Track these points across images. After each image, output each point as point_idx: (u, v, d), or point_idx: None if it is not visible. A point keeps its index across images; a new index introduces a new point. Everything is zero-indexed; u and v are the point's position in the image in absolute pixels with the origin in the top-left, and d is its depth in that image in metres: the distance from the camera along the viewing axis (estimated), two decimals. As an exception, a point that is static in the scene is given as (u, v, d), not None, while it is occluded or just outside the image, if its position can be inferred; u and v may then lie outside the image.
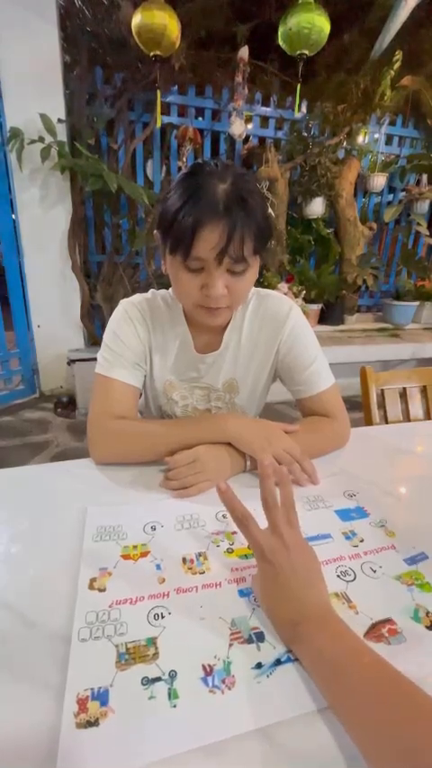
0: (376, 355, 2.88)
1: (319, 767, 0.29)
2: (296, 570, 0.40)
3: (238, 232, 0.55)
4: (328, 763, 0.29)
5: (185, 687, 0.34)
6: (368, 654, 0.33)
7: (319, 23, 1.96)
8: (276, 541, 0.41)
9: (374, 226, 3.29)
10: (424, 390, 1.12)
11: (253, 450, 0.64)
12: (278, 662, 0.36)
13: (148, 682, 0.34)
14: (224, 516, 0.56)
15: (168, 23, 2.00)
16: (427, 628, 0.39)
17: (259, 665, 0.36)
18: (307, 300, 3.02)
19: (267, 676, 0.35)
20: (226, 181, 0.57)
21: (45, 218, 2.42)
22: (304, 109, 2.89)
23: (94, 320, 2.75)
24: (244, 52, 2.54)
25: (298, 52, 2.06)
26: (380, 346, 2.99)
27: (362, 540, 0.52)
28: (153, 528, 0.53)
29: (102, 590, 0.43)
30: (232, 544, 0.50)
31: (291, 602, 0.39)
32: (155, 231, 0.64)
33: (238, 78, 2.55)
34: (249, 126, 2.88)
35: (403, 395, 1.11)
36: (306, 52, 2.05)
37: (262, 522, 0.43)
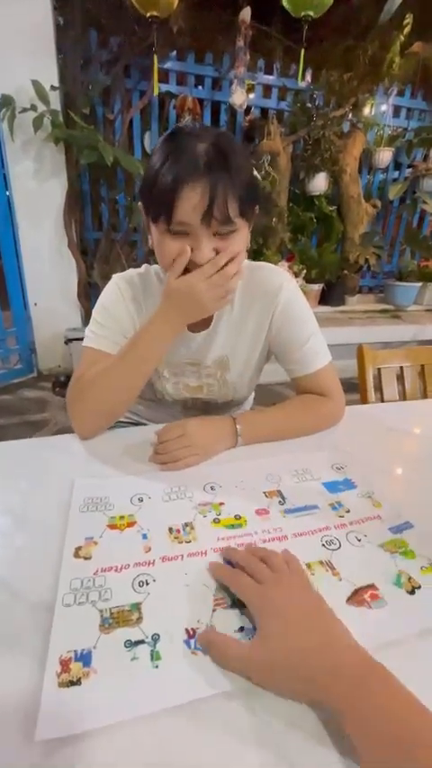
0: (377, 337, 2.85)
1: (296, 728, 0.30)
2: (303, 610, 0.35)
3: (220, 190, 0.53)
4: (305, 722, 0.30)
5: (168, 649, 0.34)
6: (405, 690, 0.28)
7: (325, -18, 1.86)
8: (271, 579, 0.37)
9: (378, 203, 3.21)
10: (422, 370, 1.11)
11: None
12: (260, 626, 0.36)
13: (131, 644, 0.34)
14: (212, 488, 0.56)
15: (165, -19, 1.89)
16: (409, 592, 0.40)
17: (242, 629, 0.36)
18: (308, 280, 2.97)
19: (249, 638, 0.35)
20: (206, 140, 0.54)
21: (39, 193, 2.35)
22: (309, 77, 2.77)
23: (92, 299, 2.71)
24: (246, 14, 2.41)
25: (303, 13, 1.96)
26: (381, 327, 2.96)
27: (348, 511, 0.52)
28: (140, 500, 0.53)
29: (87, 558, 0.43)
30: (219, 514, 0.51)
31: (309, 656, 0.31)
32: (138, 203, 0.62)
33: (240, 42, 2.44)
34: (251, 96, 2.77)
35: (400, 375, 1.10)
36: (311, 13, 1.95)
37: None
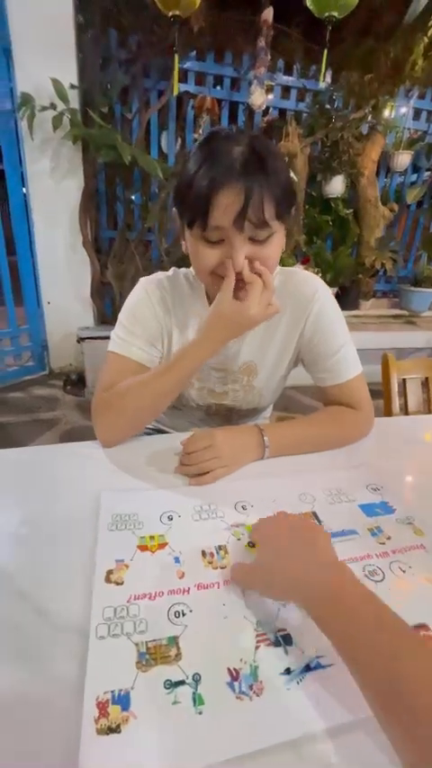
0: (390, 342, 2.80)
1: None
2: (295, 529, 0.42)
3: (256, 193, 0.51)
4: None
5: (211, 692, 0.32)
6: (374, 603, 0.33)
7: (351, -18, 1.82)
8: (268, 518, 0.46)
9: (396, 207, 3.16)
10: (447, 381, 1.08)
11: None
12: (308, 668, 0.34)
13: (171, 685, 0.32)
14: (243, 507, 0.53)
15: (189, -21, 1.87)
16: (466, 637, 0.37)
17: (288, 671, 0.34)
18: (322, 284, 2.93)
19: (297, 683, 0.33)
20: (242, 143, 0.53)
21: (56, 191, 2.34)
22: (329, 78, 2.73)
23: (105, 298, 2.70)
24: (268, 14, 2.38)
25: (326, 14, 1.92)
26: (395, 333, 2.91)
27: (389, 538, 0.49)
28: (170, 518, 0.51)
29: (119, 583, 0.41)
30: (254, 538, 0.48)
31: (296, 560, 0.39)
32: (172, 210, 0.60)
33: (261, 43, 2.40)
34: (270, 96, 2.74)
35: (425, 384, 1.07)
36: (335, 14, 1.91)
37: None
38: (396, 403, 1.04)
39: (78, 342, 2.44)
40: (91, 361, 2.42)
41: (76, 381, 2.58)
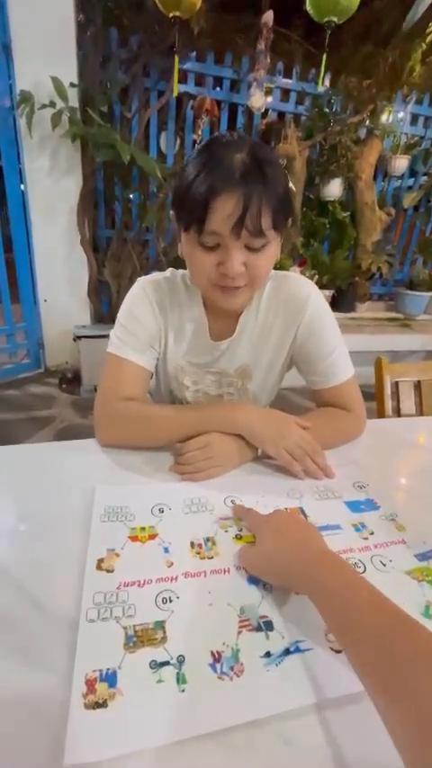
0: (386, 345, 2.83)
1: (323, 760, 0.29)
2: (290, 524, 0.46)
3: (255, 202, 0.52)
4: (332, 755, 0.29)
5: (194, 672, 0.33)
6: (366, 588, 0.35)
7: (351, -12, 1.84)
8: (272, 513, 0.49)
9: (392, 211, 3.19)
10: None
11: (265, 445, 0.62)
12: (287, 651, 0.36)
13: (156, 665, 0.34)
14: (233, 502, 0.55)
15: (190, -18, 1.89)
16: (439, 625, 0.39)
17: (268, 654, 0.35)
18: (319, 286, 2.92)
19: (276, 665, 0.35)
20: (242, 150, 0.54)
21: (54, 189, 2.35)
22: (327, 82, 2.76)
23: (101, 297, 2.71)
24: (269, 17, 2.40)
25: (326, 19, 1.95)
26: (390, 336, 2.94)
27: (372, 533, 0.51)
28: (161, 510, 0.52)
29: (110, 571, 0.42)
30: (240, 530, 0.50)
31: (291, 550, 0.42)
32: (171, 212, 0.62)
33: (261, 45, 2.42)
34: (269, 99, 2.76)
35: (417, 387, 1.09)
36: (335, 19, 1.93)
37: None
38: (389, 405, 1.05)
39: (75, 340, 2.45)
40: (87, 360, 2.43)
41: (71, 379, 2.59)
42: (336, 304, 3.16)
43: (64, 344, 2.67)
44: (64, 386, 2.56)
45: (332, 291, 3.09)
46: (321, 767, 0.29)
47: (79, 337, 2.42)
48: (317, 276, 2.90)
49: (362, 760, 0.29)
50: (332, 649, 0.36)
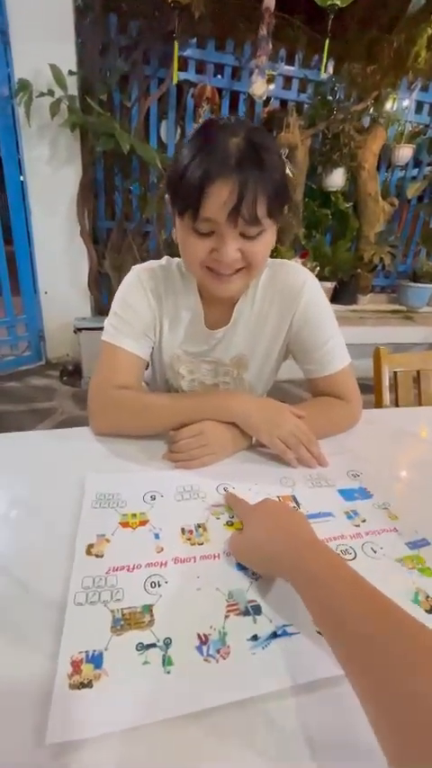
0: (388, 337, 2.81)
1: (306, 740, 0.29)
2: (278, 513, 0.46)
3: (251, 189, 0.51)
4: (315, 736, 0.29)
5: (180, 655, 0.34)
6: (344, 568, 0.35)
7: (354, -30, 1.80)
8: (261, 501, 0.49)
9: (396, 201, 3.15)
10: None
11: (259, 433, 0.62)
12: (274, 635, 0.36)
13: (142, 647, 0.34)
14: (225, 489, 0.55)
15: (189, -35, 1.85)
16: (427, 611, 0.39)
17: (255, 638, 0.35)
18: (320, 278, 2.93)
19: (263, 648, 0.35)
20: (239, 134, 0.52)
21: (53, 179, 2.33)
22: (331, 69, 2.70)
23: (102, 289, 2.70)
24: (270, 2, 2.35)
25: (329, 3, 1.91)
26: (392, 328, 2.92)
27: (363, 521, 0.51)
28: (153, 497, 0.52)
29: (99, 556, 0.42)
30: (232, 517, 0.50)
31: (277, 538, 0.41)
32: (165, 196, 0.61)
33: (263, 31, 2.37)
34: (271, 86, 2.71)
35: (417, 378, 1.08)
36: (338, 3, 1.90)
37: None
38: (387, 396, 1.05)
39: (75, 332, 2.45)
40: (88, 352, 2.43)
41: (72, 372, 2.59)
42: (338, 296, 3.14)
43: (65, 336, 2.67)
44: (65, 378, 2.56)
45: (334, 283, 3.06)
46: (303, 748, 0.29)
47: (80, 329, 2.41)
48: (318, 268, 2.87)
49: (343, 741, 0.29)
50: (319, 633, 0.36)
